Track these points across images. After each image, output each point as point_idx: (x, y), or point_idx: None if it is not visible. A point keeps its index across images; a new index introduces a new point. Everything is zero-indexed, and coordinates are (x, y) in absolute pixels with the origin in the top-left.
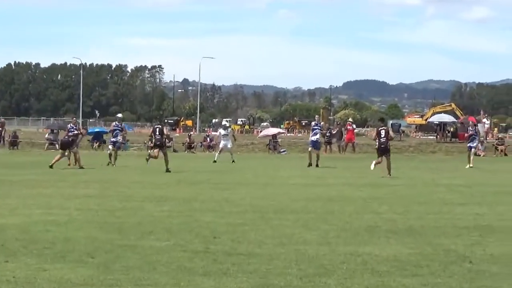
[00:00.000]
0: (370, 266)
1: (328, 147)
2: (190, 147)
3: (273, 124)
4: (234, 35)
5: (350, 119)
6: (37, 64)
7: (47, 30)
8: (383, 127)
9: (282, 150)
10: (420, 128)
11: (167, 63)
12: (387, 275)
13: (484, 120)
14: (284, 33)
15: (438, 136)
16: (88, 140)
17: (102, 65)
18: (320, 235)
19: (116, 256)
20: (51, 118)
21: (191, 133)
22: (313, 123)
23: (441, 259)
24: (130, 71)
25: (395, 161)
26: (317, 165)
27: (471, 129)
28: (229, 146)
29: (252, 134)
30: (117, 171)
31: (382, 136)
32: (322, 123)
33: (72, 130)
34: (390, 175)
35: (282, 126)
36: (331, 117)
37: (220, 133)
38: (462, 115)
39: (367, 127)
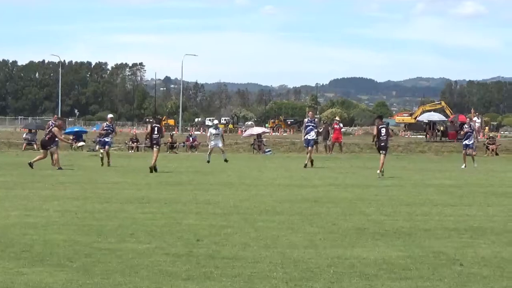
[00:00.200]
0: (357, 269)
1: (314, 147)
2: (172, 147)
3: (258, 123)
4: (217, 31)
5: (337, 118)
6: (14, 62)
7: (24, 27)
8: (383, 125)
9: (267, 150)
10: (409, 127)
11: (148, 60)
12: (375, 279)
13: (475, 118)
14: (269, 29)
15: (427, 135)
16: None
17: (82, 63)
18: (306, 238)
19: (96, 259)
20: (29, 117)
21: (174, 132)
22: (305, 120)
23: (430, 262)
24: (110, 68)
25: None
26: (305, 166)
27: (466, 126)
28: (220, 145)
29: (236, 134)
30: (97, 171)
31: (383, 134)
32: (316, 119)
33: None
34: (380, 172)
35: (267, 125)
36: (317, 116)
37: (211, 132)
38: (451, 114)
39: (355, 126)
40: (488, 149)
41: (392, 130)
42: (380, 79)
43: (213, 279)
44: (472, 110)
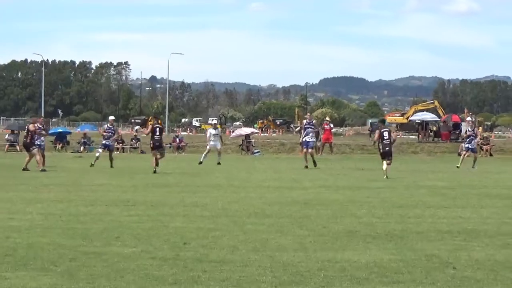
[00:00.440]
0: (348, 273)
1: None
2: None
3: (246, 124)
4: (204, 29)
5: (327, 118)
6: None
7: (5, 25)
8: (386, 129)
9: (255, 151)
10: (401, 127)
11: (133, 59)
12: (366, 283)
13: (468, 118)
14: (256, 27)
15: (420, 136)
16: (51, 141)
17: (65, 62)
18: (296, 241)
19: (81, 263)
20: (11, 118)
21: None
22: (304, 121)
23: (423, 265)
24: (94, 68)
25: (374, 162)
26: (315, 165)
27: (469, 129)
28: (218, 146)
29: (224, 134)
30: (81, 173)
31: (386, 138)
32: (314, 121)
33: (39, 129)
34: (387, 176)
35: (255, 125)
36: (307, 116)
37: (210, 133)
38: (443, 114)
39: (345, 126)
40: (482, 150)
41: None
42: (371, 78)
43: (200, 283)
44: (466, 110)
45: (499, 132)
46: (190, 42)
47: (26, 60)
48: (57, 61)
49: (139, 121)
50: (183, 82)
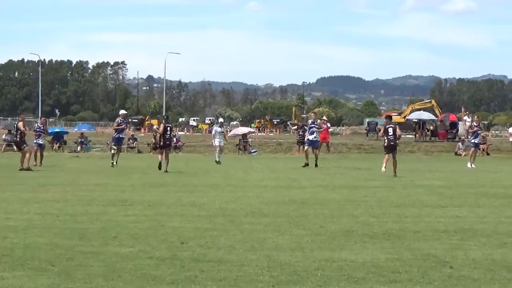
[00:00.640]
0: (345, 272)
1: (301, 147)
2: (155, 147)
3: (243, 123)
4: (201, 29)
5: (324, 118)
6: None
7: (2, 25)
8: (391, 125)
9: (253, 151)
10: (398, 126)
11: (130, 59)
12: (363, 282)
13: (465, 117)
14: (254, 27)
15: (417, 135)
16: (48, 141)
17: (62, 62)
18: (293, 240)
19: (78, 263)
20: (9, 118)
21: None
22: (309, 121)
23: (420, 265)
24: (91, 67)
25: (371, 161)
26: (316, 165)
27: (475, 124)
28: (222, 144)
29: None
30: (78, 173)
31: (390, 133)
32: (318, 121)
33: (40, 130)
34: (395, 174)
35: (252, 125)
36: (304, 115)
37: (216, 130)
38: (440, 113)
39: (343, 125)
40: (479, 149)
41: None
42: (368, 78)
43: (198, 283)
44: (463, 109)
45: (496, 131)
46: (187, 41)
47: (23, 60)
48: (54, 60)
49: (136, 121)
50: (180, 82)
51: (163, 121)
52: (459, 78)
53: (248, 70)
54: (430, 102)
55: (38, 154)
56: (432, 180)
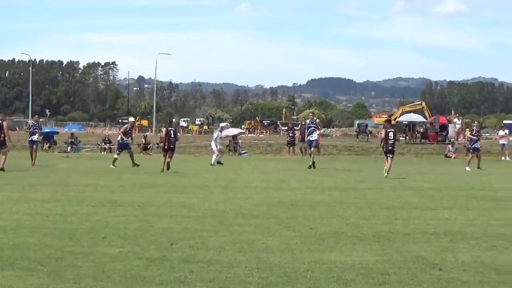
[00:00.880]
0: (335, 274)
1: (291, 148)
2: (145, 148)
3: (234, 124)
4: (192, 30)
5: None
6: None
7: None
8: (391, 129)
9: (243, 152)
10: None
11: (121, 59)
12: (353, 284)
13: (455, 120)
14: (245, 28)
15: (407, 137)
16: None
17: (53, 62)
18: (283, 242)
19: (67, 264)
20: None
21: (147, 133)
22: (307, 121)
23: (409, 267)
24: (82, 68)
25: (361, 163)
26: (313, 165)
27: (475, 129)
28: (220, 147)
29: (211, 135)
30: (68, 173)
31: (391, 138)
32: (317, 120)
33: (34, 127)
34: (387, 175)
35: (243, 126)
36: (294, 117)
37: (218, 135)
38: (430, 116)
39: (333, 127)
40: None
41: (371, 132)
42: (358, 79)
43: (187, 284)
44: (453, 112)
45: (486, 134)
46: (177, 42)
47: (13, 59)
48: (44, 60)
49: (126, 121)
50: (170, 82)
51: (166, 125)
52: (450, 80)
53: (239, 71)
54: (421, 104)
55: (34, 153)
56: (422, 182)
